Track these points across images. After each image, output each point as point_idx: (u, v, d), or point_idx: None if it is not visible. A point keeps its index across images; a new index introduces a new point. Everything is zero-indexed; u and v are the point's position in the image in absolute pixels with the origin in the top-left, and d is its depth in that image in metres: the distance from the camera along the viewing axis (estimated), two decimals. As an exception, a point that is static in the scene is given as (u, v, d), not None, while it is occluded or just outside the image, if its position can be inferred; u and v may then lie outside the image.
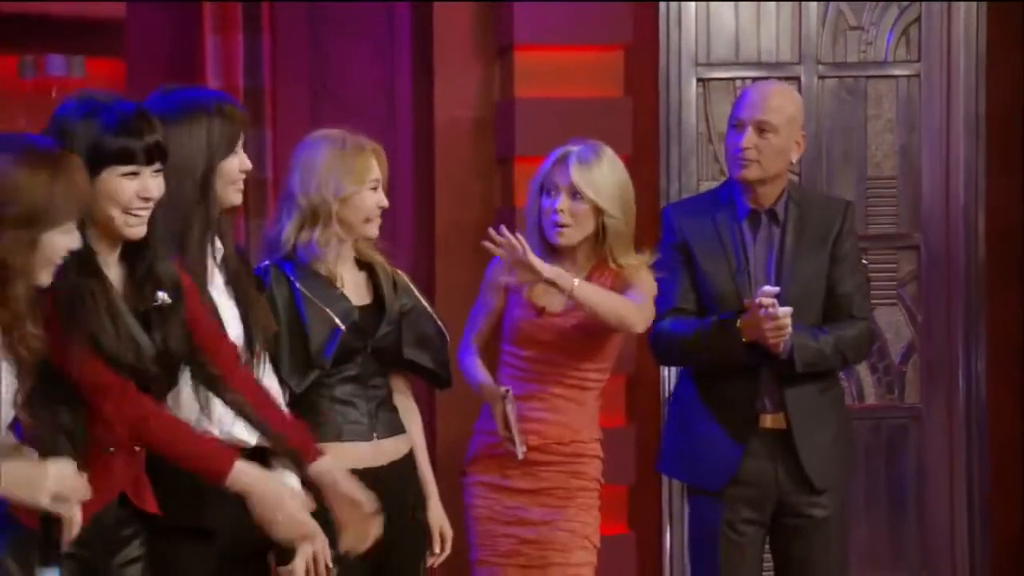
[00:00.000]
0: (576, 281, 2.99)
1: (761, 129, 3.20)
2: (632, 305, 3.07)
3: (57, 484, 2.27)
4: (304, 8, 4.83)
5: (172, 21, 4.79)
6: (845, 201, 3.49)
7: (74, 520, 2.29)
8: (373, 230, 3.00)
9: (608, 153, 3.18)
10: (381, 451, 2.98)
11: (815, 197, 3.43)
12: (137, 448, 2.51)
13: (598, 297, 3.03)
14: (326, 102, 4.71)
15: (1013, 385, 4.99)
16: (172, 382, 2.59)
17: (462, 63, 4.72)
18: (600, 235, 3.13)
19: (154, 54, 4.68)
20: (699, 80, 4.92)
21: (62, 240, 2.27)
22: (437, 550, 3.07)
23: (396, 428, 3.01)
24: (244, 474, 2.46)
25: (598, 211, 3.10)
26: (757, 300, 3.10)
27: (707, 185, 4.65)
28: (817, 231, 3.25)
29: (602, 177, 3.10)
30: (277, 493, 2.48)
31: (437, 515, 3.08)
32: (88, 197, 2.33)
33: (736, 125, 3.24)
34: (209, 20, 4.74)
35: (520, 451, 3.06)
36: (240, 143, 2.75)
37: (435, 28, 4.73)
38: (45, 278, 2.29)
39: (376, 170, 2.99)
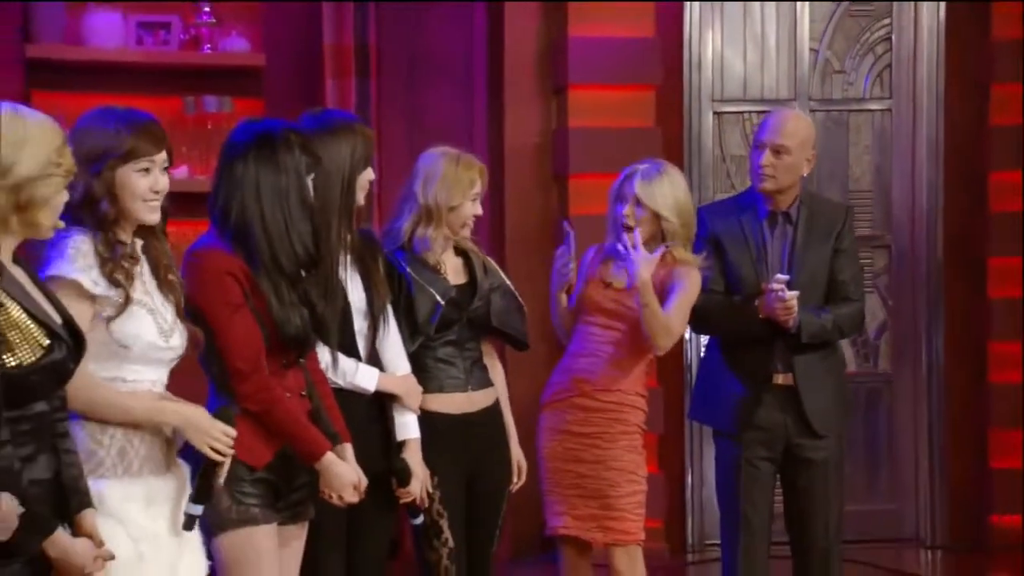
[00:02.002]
0: (648, 300, 2.94)
1: (777, 150, 3.14)
2: (669, 339, 3.02)
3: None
4: (403, 58, 4.84)
5: (300, 68, 4.80)
6: (846, 206, 3.45)
7: (226, 466, 2.25)
8: (467, 232, 2.96)
9: (669, 170, 3.11)
10: (473, 400, 2.93)
11: (822, 202, 3.36)
12: (303, 394, 2.49)
13: (652, 312, 2.96)
14: (419, 131, 4.70)
15: (965, 357, 4.94)
16: (315, 345, 2.56)
17: (526, 99, 4.74)
18: (661, 234, 3.06)
19: (286, 94, 4.69)
20: (715, 113, 4.92)
21: (142, 181, 2.19)
22: (515, 479, 3.03)
23: (486, 382, 2.97)
24: (330, 461, 2.45)
25: (657, 216, 3.04)
26: (770, 285, 3.06)
27: (720, 196, 4.62)
28: (823, 229, 3.20)
29: (660, 190, 3.04)
30: (343, 475, 2.47)
31: (516, 452, 3.03)
32: (162, 143, 2.23)
33: (758, 146, 3.18)
34: (329, 67, 4.76)
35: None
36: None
37: (505, 72, 4.74)
38: None
39: (479, 185, 2.94)
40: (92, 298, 2.13)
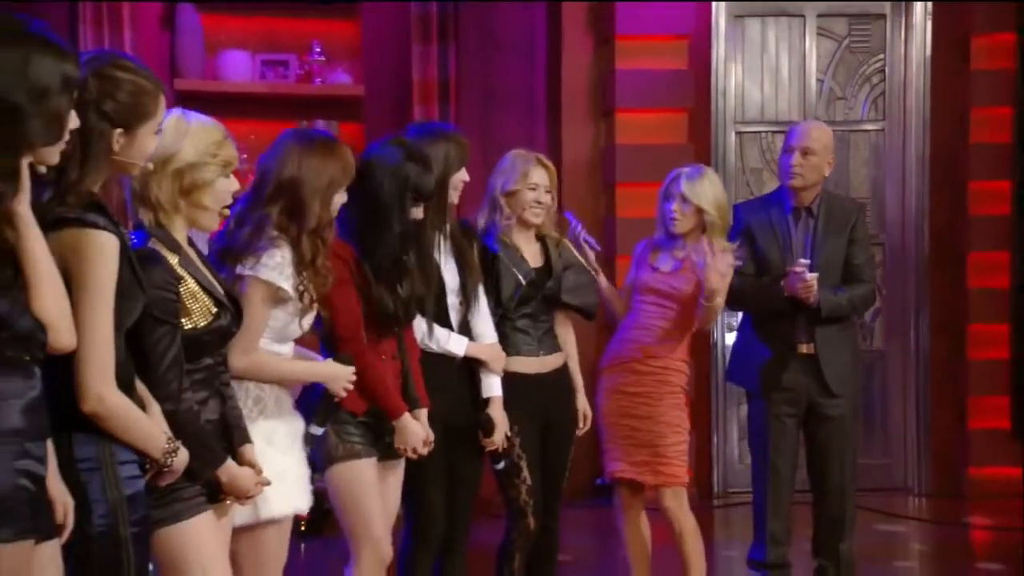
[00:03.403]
0: (714, 304, 2.90)
1: (805, 152, 3.08)
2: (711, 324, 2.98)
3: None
4: (478, 89, 4.83)
5: (393, 98, 4.81)
6: (859, 203, 3.39)
7: (339, 397, 2.30)
8: (531, 217, 2.83)
9: (709, 172, 3.03)
10: (545, 363, 2.87)
11: (839, 199, 3.29)
12: (395, 357, 2.48)
13: (714, 311, 2.93)
14: (491, 149, 4.66)
15: (947, 337, 4.85)
16: (410, 320, 2.53)
17: (581, 121, 4.72)
18: (702, 226, 3.01)
19: (381, 119, 4.69)
20: (736, 133, 4.87)
21: (339, 199, 2.23)
22: (582, 425, 2.97)
23: (555, 348, 2.91)
24: (405, 421, 2.43)
25: (700, 210, 2.99)
26: (794, 268, 3.01)
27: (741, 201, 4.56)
28: (840, 222, 3.12)
29: (703, 188, 2.98)
30: (415, 432, 2.44)
31: (582, 403, 2.96)
32: (352, 171, 2.27)
33: (788, 150, 3.12)
34: (417, 96, 4.77)
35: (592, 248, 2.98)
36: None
37: (563, 99, 4.73)
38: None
39: (536, 176, 2.83)
40: (282, 299, 2.16)
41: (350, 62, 4.82)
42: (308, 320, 2.22)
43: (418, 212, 2.44)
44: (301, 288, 2.16)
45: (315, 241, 2.17)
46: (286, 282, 2.14)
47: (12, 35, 1.53)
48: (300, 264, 2.16)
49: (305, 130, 2.30)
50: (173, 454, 1.77)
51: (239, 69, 4.72)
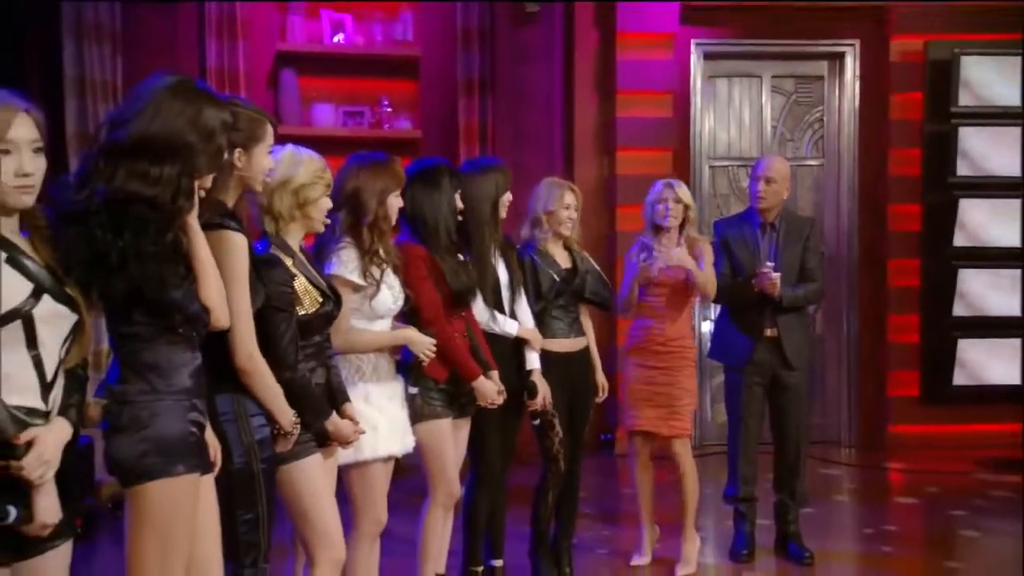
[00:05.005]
0: (696, 274, 2.86)
1: (767, 180, 3.05)
2: (713, 289, 2.92)
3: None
4: (509, 132, 4.80)
5: (443, 140, 4.79)
6: (812, 218, 3.35)
7: (424, 362, 2.29)
8: (563, 230, 2.85)
9: (683, 185, 3.03)
10: (573, 344, 2.86)
11: (796, 216, 3.25)
12: (464, 336, 2.47)
13: (705, 278, 2.90)
14: (520, 179, 4.58)
15: (872, 325, 4.80)
16: (469, 303, 2.52)
17: (589, 157, 4.68)
18: (684, 222, 2.97)
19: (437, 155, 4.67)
20: (710, 167, 4.83)
21: (395, 202, 2.22)
22: (602, 393, 2.94)
23: (581, 332, 2.89)
24: (481, 382, 2.42)
25: (686, 208, 2.96)
26: (762, 270, 2.98)
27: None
28: (796, 234, 3.09)
29: (683, 192, 2.97)
30: (491, 388, 2.44)
31: (601, 378, 2.93)
32: (402, 180, 2.25)
33: (755, 179, 3.09)
34: (462, 138, 4.74)
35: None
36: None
37: (575, 139, 4.70)
38: (392, 223, 2.23)
39: (568, 199, 2.85)
40: (358, 287, 2.18)
41: (411, 112, 4.82)
42: (382, 300, 2.19)
43: (457, 199, 2.42)
44: (368, 275, 2.17)
45: (373, 232, 2.18)
46: (352, 274, 2.15)
47: (188, 92, 1.59)
48: (364, 253, 2.17)
49: (364, 153, 2.30)
50: (298, 426, 1.82)
51: (326, 118, 4.74)
